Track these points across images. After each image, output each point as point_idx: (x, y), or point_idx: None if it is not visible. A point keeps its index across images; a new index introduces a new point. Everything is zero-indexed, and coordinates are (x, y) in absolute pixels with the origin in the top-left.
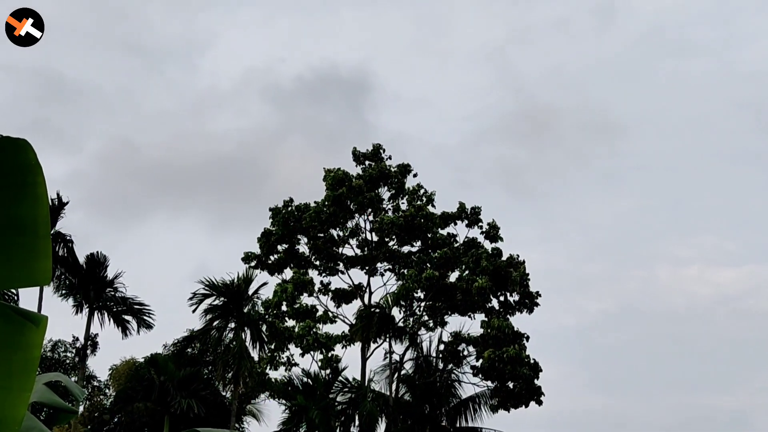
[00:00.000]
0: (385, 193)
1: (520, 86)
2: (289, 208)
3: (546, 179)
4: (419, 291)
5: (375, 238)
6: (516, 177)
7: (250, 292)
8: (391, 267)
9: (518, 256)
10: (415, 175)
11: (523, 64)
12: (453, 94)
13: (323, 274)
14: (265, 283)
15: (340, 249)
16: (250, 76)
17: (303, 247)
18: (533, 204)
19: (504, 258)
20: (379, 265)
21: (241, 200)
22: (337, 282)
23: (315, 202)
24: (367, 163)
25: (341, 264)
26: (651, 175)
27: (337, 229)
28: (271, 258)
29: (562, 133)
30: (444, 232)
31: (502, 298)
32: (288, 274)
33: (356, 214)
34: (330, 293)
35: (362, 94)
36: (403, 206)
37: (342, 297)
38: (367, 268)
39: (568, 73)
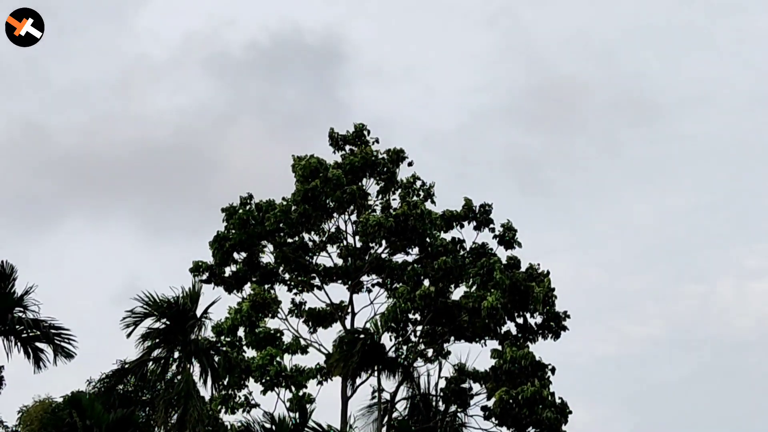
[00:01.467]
0: (371, 186)
1: (534, 56)
2: (248, 207)
3: (568, 172)
4: (415, 312)
5: (359, 244)
6: (531, 169)
7: (200, 313)
8: (379, 281)
9: (539, 266)
10: (410, 164)
11: (539, 28)
12: (449, 66)
13: (293, 290)
14: (217, 299)
15: (315, 258)
16: (191, 43)
17: (267, 256)
18: (553, 203)
19: (522, 269)
20: (364, 278)
21: (182, 198)
22: (311, 300)
23: (283, 199)
24: (348, 148)
25: (316, 277)
26: (705, 165)
27: (311, 233)
28: (227, 270)
29: (588, 113)
30: (446, 236)
31: (520, 321)
32: (249, 290)
33: (335, 214)
34: (302, 314)
35: (333, 66)
36: (395, 203)
37: (317, 319)
38: (349, 282)
39: (595, 38)
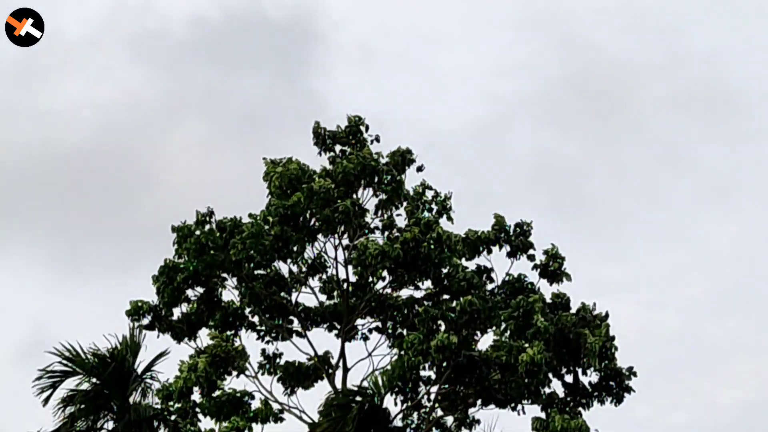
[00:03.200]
0: (368, 199)
1: (571, 33)
2: (208, 227)
3: (618, 186)
4: (429, 367)
5: (353, 277)
6: (567, 182)
7: (141, 370)
8: (379, 325)
9: (595, 306)
10: (419, 169)
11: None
12: (459, 46)
13: (264, 338)
14: (166, 353)
15: (294, 295)
16: (116, 18)
17: (231, 293)
18: (600, 225)
19: (573, 311)
20: (359, 322)
21: (105, 221)
22: (289, 351)
23: (251, 217)
24: (338, 149)
25: (295, 320)
26: None
27: (289, 261)
28: (177, 311)
29: (643, 110)
30: (470, 264)
31: (569, 379)
32: (207, 338)
33: (320, 237)
34: (276, 370)
35: (305, 48)
36: (400, 220)
37: (296, 376)
38: (338, 328)
39: (653, 10)
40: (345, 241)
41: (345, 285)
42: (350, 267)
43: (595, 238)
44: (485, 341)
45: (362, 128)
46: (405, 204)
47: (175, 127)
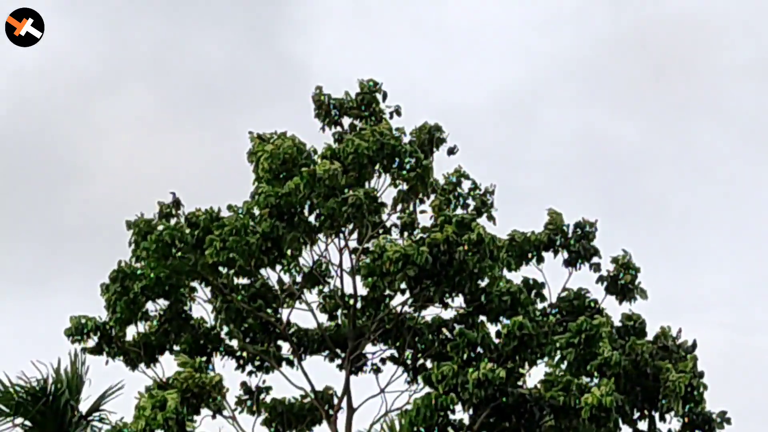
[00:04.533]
0: (385, 188)
1: None
2: (174, 221)
3: (689, 178)
4: (465, 408)
5: (363, 290)
6: (624, 172)
7: (85, 408)
8: (395, 354)
9: (680, 333)
10: (451, 151)
11: None
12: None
13: (245, 367)
14: (119, 386)
15: (285, 312)
16: None
17: (202, 308)
18: (669, 228)
19: (649, 337)
20: (369, 349)
21: (24, 220)
22: (278, 385)
23: (231, 210)
24: (346, 123)
25: (286, 345)
26: None
27: (279, 268)
28: (133, 331)
29: (720, 81)
30: (514, 276)
31: (643, 426)
32: (172, 364)
33: (322, 237)
34: (261, 409)
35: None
36: (424, 218)
37: (288, 418)
38: (342, 356)
39: None
40: (353, 243)
41: (352, 300)
42: (359, 277)
43: (662, 244)
44: (537, 373)
45: (378, 96)
46: (432, 197)
47: (112, 100)
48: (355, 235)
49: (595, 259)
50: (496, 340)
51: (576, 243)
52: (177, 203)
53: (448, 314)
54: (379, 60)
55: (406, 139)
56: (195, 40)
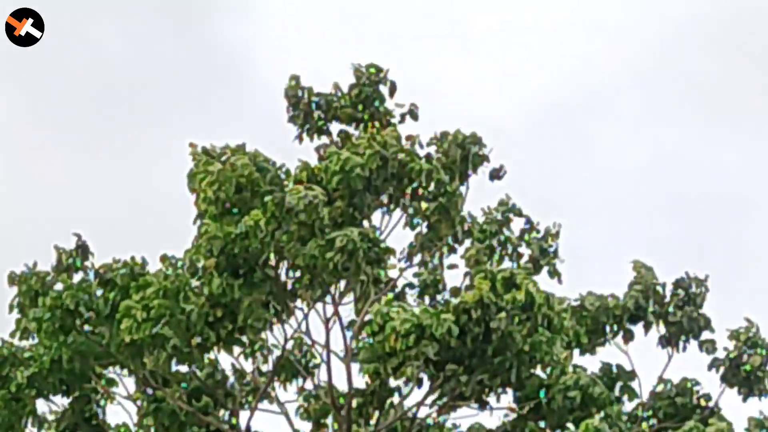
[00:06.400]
0: (392, 228)
1: None
2: (79, 277)
3: None
4: None
5: (358, 380)
6: (719, 209)
7: None
8: None
9: None
10: (496, 175)
11: None
12: None
13: None
14: None
15: (243, 414)
16: None
17: (122, 409)
18: None
19: None
20: None
21: None
22: None
23: (165, 261)
24: (335, 130)
25: None
26: None
27: (235, 351)
28: None
29: None
30: (587, 361)
31: None
32: None
33: (298, 302)
34: None
35: None
36: (454, 276)
37: None
38: None
39: None
40: (347, 309)
41: (344, 399)
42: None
43: None
44: None
45: (383, 90)
46: (468, 243)
47: None
48: (349, 298)
49: (706, 335)
50: None
51: (677, 311)
52: (84, 250)
53: (489, 419)
54: (350, 52)
55: (423, 152)
56: (93, 26)
